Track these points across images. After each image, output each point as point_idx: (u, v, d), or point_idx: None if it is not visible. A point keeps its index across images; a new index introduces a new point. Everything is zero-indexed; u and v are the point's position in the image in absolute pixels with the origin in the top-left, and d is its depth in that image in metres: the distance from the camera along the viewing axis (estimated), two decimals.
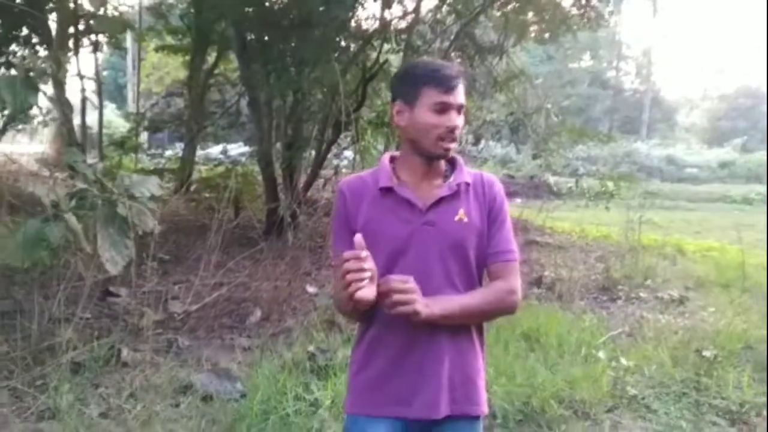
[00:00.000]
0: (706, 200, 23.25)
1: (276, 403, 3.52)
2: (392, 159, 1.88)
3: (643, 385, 4.29)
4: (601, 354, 4.42)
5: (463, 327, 1.77)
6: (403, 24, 9.10)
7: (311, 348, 4.34)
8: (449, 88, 1.70)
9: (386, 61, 8.75)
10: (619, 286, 7.16)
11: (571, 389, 4.02)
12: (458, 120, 1.72)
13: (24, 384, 3.66)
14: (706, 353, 4.68)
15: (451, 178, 1.79)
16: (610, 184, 9.87)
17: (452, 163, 1.85)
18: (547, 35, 10.91)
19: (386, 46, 8.77)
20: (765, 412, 3.93)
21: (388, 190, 1.76)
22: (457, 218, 1.74)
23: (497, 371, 4.11)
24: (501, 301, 1.77)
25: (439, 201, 1.74)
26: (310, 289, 6.18)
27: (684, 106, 46.41)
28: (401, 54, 9.10)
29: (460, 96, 1.72)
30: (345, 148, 10.56)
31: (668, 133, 40.27)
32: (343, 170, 10.84)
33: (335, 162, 10.38)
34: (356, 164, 9.91)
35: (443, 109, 1.70)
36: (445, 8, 9.15)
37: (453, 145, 1.74)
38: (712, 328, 5.46)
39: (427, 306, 1.63)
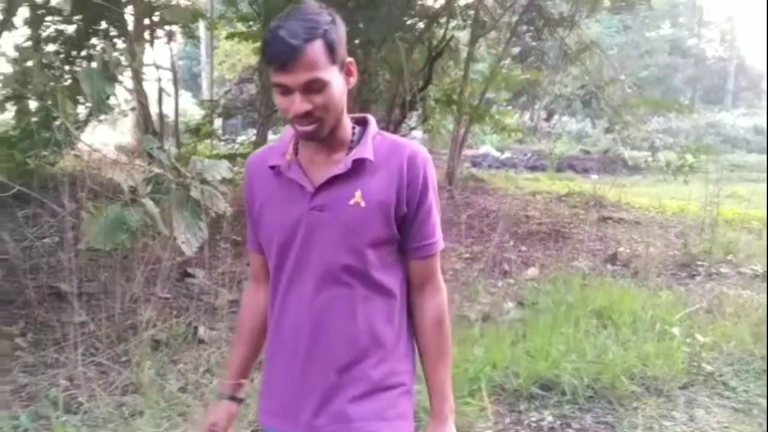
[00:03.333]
0: None
1: None
2: None
3: (720, 362, 4.17)
4: (676, 330, 4.30)
5: (364, 328, 1.44)
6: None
7: None
8: (282, 67, 1.32)
9: (452, 37, 8.68)
10: (699, 261, 6.92)
11: (644, 366, 3.95)
12: (310, 101, 1.35)
13: (109, 360, 3.87)
14: None
15: (358, 149, 1.44)
16: (689, 157, 9.48)
17: (364, 128, 1.51)
18: (622, 4, 10.58)
19: (452, 23, 8.70)
20: None
21: (277, 169, 1.48)
22: (352, 201, 1.41)
23: (567, 348, 4.07)
24: (446, 322, 1.52)
25: (332, 181, 1.42)
26: None
27: None
28: (468, 30, 9.02)
29: (303, 72, 1.32)
30: (413, 128, 10.56)
31: (755, 102, 38.25)
32: None
33: None
34: (425, 143, 9.90)
35: (282, 90, 1.36)
36: None
37: (312, 128, 1.38)
38: None
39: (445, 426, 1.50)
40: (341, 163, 1.43)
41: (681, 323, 4.67)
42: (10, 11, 4.74)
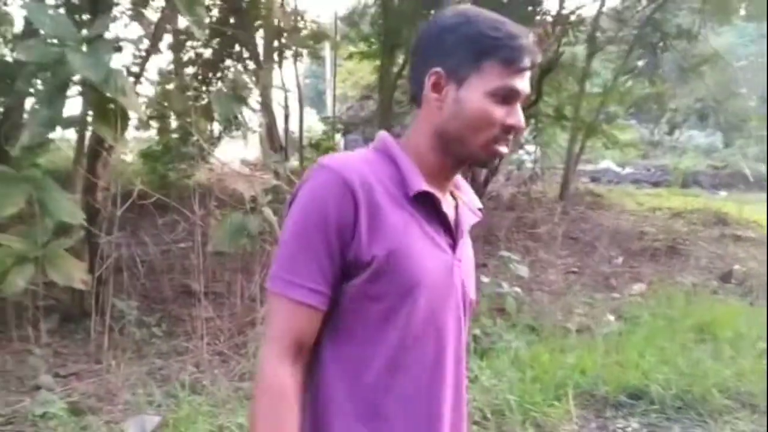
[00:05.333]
0: None
1: None
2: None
3: None
4: None
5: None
6: (584, 15, 9.04)
7: (477, 331, 4.61)
8: (523, 69, 1.09)
9: (563, 53, 8.73)
10: None
11: (738, 381, 3.92)
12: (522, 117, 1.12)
13: (230, 350, 4.35)
14: None
15: (466, 197, 1.23)
16: None
17: None
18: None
19: (564, 39, 8.76)
20: None
21: (423, 198, 1.09)
22: (471, 253, 1.24)
23: (660, 359, 4.12)
24: None
25: (461, 228, 1.19)
26: (484, 279, 6.42)
27: None
28: (580, 46, 9.04)
29: (528, 81, 1.12)
30: (524, 143, 10.64)
31: None
32: (526, 165, 10.94)
33: (514, 156, 10.52)
34: (537, 158, 9.96)
35: (508, 97, 1.08)
36: None
37: (506, 151, 1.13)
38: None
39: None
40: (466, 208, 1.21)
41: None
42: (157, 37, 5.43)
